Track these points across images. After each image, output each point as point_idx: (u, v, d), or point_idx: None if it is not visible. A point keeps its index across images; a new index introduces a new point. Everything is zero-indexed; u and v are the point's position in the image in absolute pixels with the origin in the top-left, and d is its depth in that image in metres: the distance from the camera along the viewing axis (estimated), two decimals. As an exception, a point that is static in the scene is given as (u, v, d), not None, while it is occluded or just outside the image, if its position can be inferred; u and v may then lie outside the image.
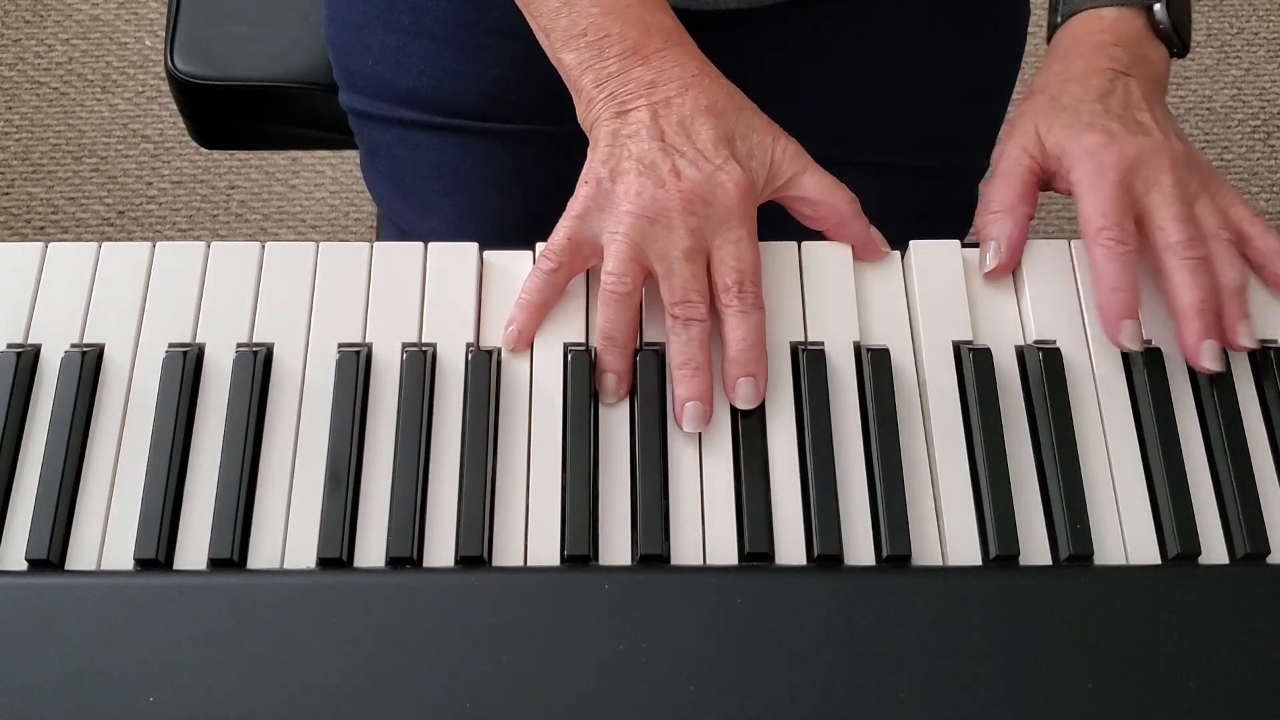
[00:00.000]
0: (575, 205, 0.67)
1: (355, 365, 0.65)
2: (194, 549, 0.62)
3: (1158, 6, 0.74)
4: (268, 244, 0.70)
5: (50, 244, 0.69)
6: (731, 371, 0.66)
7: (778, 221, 0.91)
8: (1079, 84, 0.73)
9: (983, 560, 0.63)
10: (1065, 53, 0.76)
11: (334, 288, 0.69)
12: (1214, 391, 0.66)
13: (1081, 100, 0.72)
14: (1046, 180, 0.73)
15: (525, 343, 0.67)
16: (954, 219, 0.96)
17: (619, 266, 0.66)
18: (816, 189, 0.70)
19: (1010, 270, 0.70)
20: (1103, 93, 0.72)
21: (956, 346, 0.68)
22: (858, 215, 0.70)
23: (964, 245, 0.71)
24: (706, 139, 0.67)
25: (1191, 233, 0.68)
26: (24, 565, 0.61)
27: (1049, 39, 0.78)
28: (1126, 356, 0.68)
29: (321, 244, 0.70)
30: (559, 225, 0.67)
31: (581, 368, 0.66)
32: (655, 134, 0.67)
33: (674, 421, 0.65)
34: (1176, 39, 0.75)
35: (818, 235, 0.71)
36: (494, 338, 0.68)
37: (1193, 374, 0.68)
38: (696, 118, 0.68)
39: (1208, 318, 0.67)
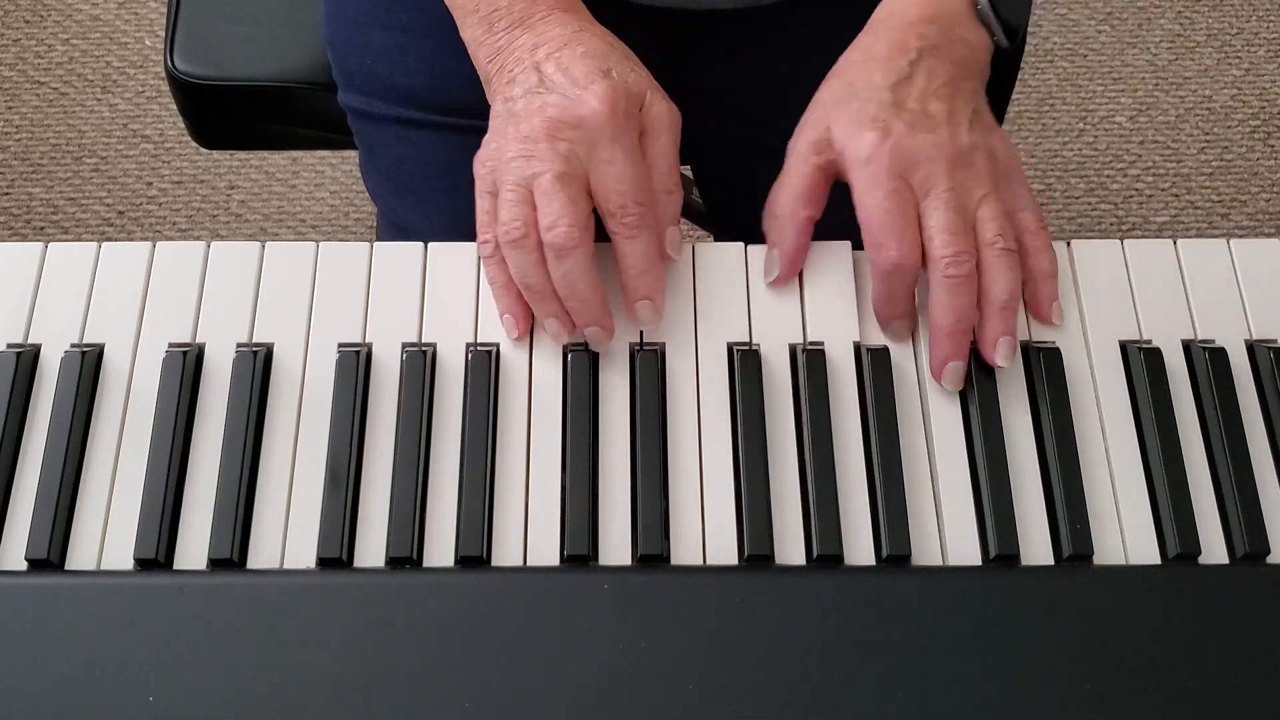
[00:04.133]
0: (479, 183, 0.69)
1: (355, 365, 0.65)
2: (194, 549, 0.62)
3: None
4: (268, 244, 0.70)
5: (50, 244, 0.69)
6: (628, 296, 0.66)
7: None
8: (879, 67, 0.69)
9: (983, 560, 0.63)
10: (875, 29, 0.72)
11: (334, 288, 0.69)
12: (1214, 391, 0.66)
13: (874, 88, 0.68)
14: (838, 175, 0.69)
15: (525, 324, 0.67)
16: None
17: (506, 212, 0.66)
18: (652, 157, 0.68)
19: (792, 277, 0.69)
20: (899, 79, 0.68)
21: (956, 346, 0.68)
22: (663, 205, 0.68)
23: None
24: (579, 72, 0.67)
25: (958, 247, 0.65)
26: (24, 565, 0.61)
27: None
28: (1127, 356, 0.68)
29: (321, 244, 0.70)
30: (477, 207, 0.69)
31: (581, 368, 0.66)
32: (535, 83, 0.68)
33: (674, 421, 0.65)
34: (996, 22, 0.72)
35: (825, 234, 0.71)
36: (493, 337, 0.68)
37: (1193, 374, 0.68)
38: (574, 61, 0.68)
39: (957, 339, 0.65)
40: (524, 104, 0.68)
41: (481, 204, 0.68)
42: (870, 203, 0.66)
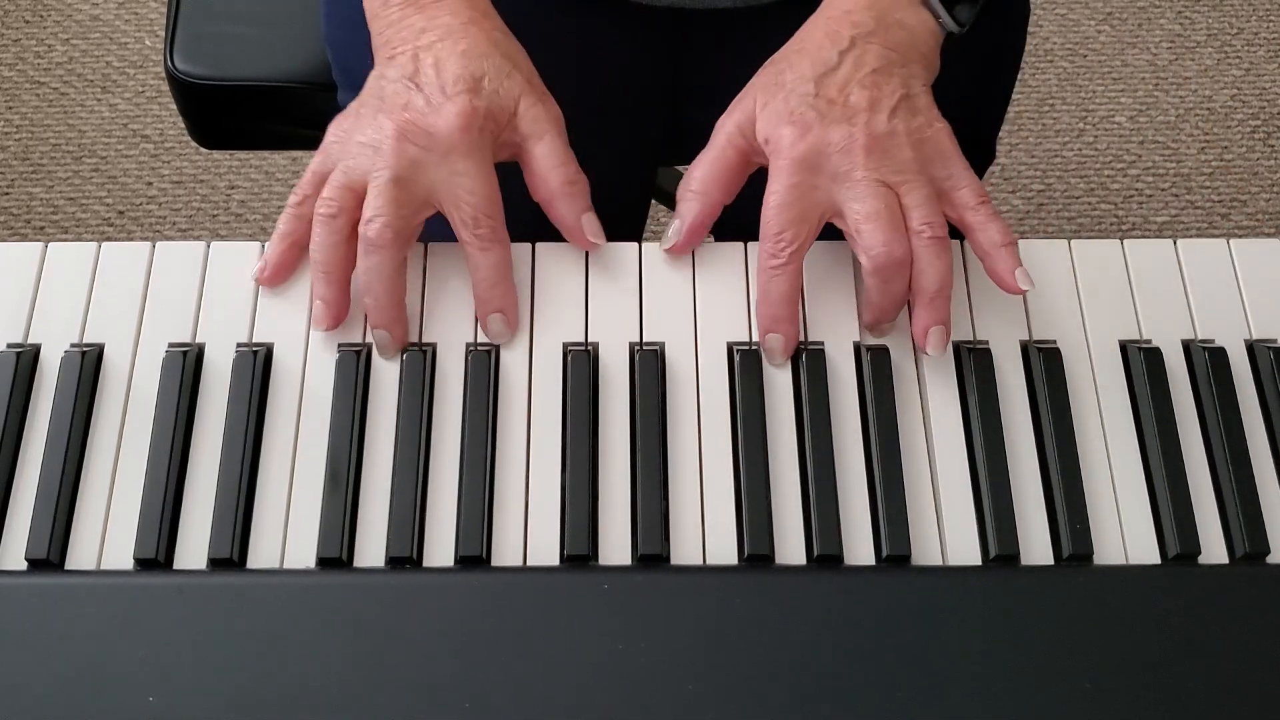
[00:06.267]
0: (324, 141, 0.69)
1: (355, 365, 0.65)
2: (194, 549, 0.62)
3: None
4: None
5: (50, 244, 0.69)
6: (480, 309, 0.67)
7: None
8: (808, 56, 0.69)
9: (983, 560, 0.63)
10: (815, 16, 0.72)
11: (334, 288, 0.69)
12: (1214, 391, 0.66)
13: (800, 79, 0.68)
14: (760, 163, 0.70)
15: (272, 278, 0.68)
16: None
17: (328, 191, 0.67)
18: (541, 157, 0.69)
19: (688, 250, 0.70)
20: (824, 70, 0.68)
21: (957, 346, 0.68)
22: (569, 197, 0.69)
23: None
24: (450, 76, 0.68)
25: (883, 234, 0.65)
26: (24, 565, 0.61)
27: None
28: (1127, 356, 0.68)
29: (321, 244, 0.70)
30: (312, 163, 0.69)
31: (581, 368, 0.66)
32: (409, 74, 0.69)
33: (674, 421, 0.65)
34: (939, 4, 0.71)
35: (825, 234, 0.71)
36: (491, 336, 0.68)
37: (1192, 374, 0.68)
38: (450, 59, 0.68)
39: (883, 315, 0.67)
40: (392, 91, 0.68)
41: (314, 163, 0.69)
42: (769, 194, 0.67)
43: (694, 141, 0.95)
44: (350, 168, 0.67)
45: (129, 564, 0.61)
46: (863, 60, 0.68)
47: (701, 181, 0.70)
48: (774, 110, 0.68)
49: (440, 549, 0.62)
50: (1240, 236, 0.70)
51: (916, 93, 0.69)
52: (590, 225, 0.69)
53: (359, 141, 0.68)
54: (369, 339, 0.67)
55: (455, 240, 0.70)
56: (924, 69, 0.70)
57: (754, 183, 0.71)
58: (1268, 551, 0.63)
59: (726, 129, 0.70)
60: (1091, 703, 0.57)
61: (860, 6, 0.70)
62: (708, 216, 0.70)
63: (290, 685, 0.57)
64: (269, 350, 0.67)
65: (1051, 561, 0.63)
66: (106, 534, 0.62)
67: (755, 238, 0.71)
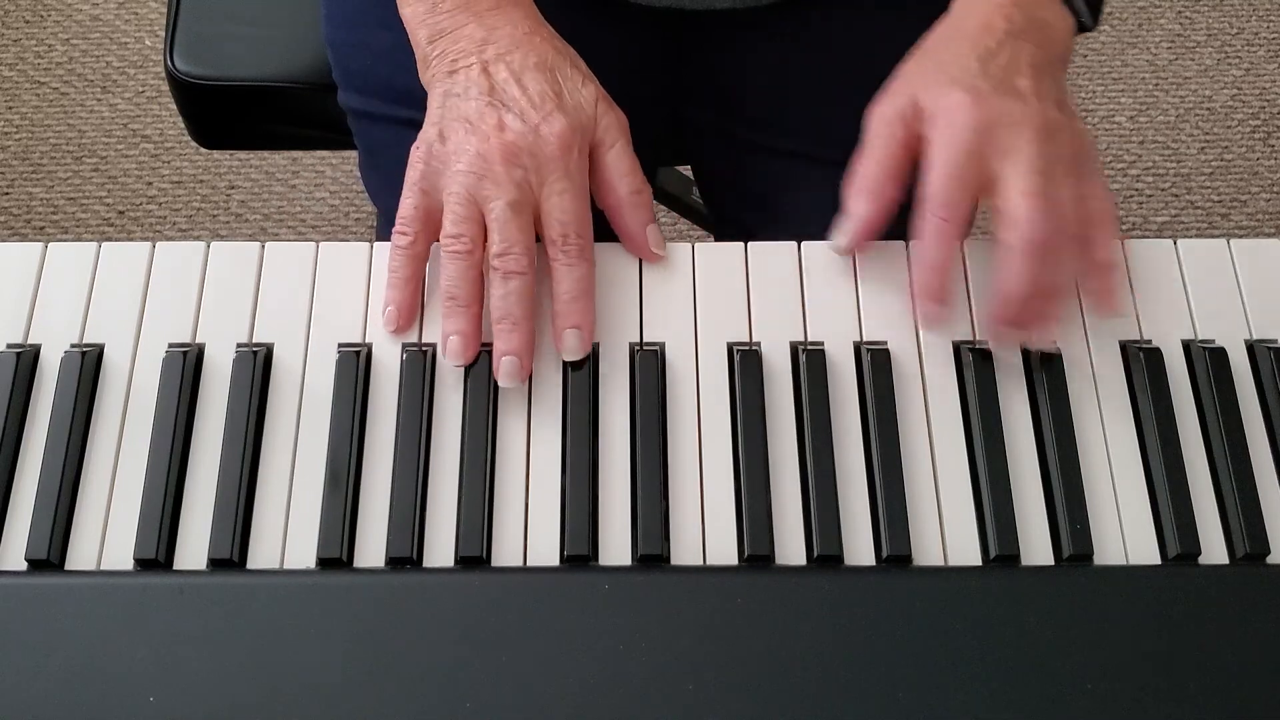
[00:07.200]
0: (412, 173, 0.68)
1: (355, 365, 0.65)
2: (194, 549, 0.62)
3: None
4: (268, 244, 0.70)
5: (50, 244, 0.69)
6: (558, 323, 0.67)
7: (780, 221, 0.90)
8: (967, 41, 0.68)
9: (983, 560, 0.63)
10: (961, 11, 0.72)
11: (334, 288, 0.69)
12: (1214, 391, 0.66)
13: (962, 56, 0.67)
14: (918, 151, 0.67)
15: (407, 320, 0.67)
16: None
17: (455, 226, 0.66)
18: (611, 165, 0.70)
19: (856, 251, 0.69)
20: (986, 53, 0.67)
21: (956, 346, 0.68)
22: (635, 207, 0.69)
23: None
24: (534, 92, 0.68)
25: (1045, 213, 0.63)
26: (24, 565, 0.61)
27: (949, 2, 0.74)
28: (1126, 355, 0.68)
29: (321, 244, 0.70)
30: (403, 196, 0.68)
31: (582, 368, 0.66)
32: (484, 89, 0.68)
33: (674, 421, 0.65)
34: (1083, 5, 0.71)
35: (816, 235, 0.71)
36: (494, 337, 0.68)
37: (1192, 374, 0.68)
38: (525, 72, 0.68)
39: (1024, 308, 0.65)
40: (476, 112, 0.68)
41: (412, 197, 0.68)
42: (936, 162, 0.65)
43: (694, 142, 0.95)
44: (466, 200, 0.66)
45: (129, 564, 0.61)
46: (1019, 53, 0.68)
47: (874, 179, 0.67)
48: (942, 83, 0.66)
49: (440, 549, 0.62)
50: (1240, 236, 0.70)
51: (1066, 94, 0.69)
52: (654, 236, 0.70)
53: (460, 170, 0.67)
54: (369, 339, 0.67)
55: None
56: (1064, 68, 0.70)
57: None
58: (1268, 551, 0.63)
59: (886, 118, 0.68)
60: (1091, 703, 0.57)
61: (1009, 2, 0.70)
62: (881, 215, 0.67)
63: (290, 685, 0.57)
64: (269, 350, 0.67)
65: (1051, 561, 0.63)
66: (106, 534, 0.62)
67: (757, 238, 0.71)
